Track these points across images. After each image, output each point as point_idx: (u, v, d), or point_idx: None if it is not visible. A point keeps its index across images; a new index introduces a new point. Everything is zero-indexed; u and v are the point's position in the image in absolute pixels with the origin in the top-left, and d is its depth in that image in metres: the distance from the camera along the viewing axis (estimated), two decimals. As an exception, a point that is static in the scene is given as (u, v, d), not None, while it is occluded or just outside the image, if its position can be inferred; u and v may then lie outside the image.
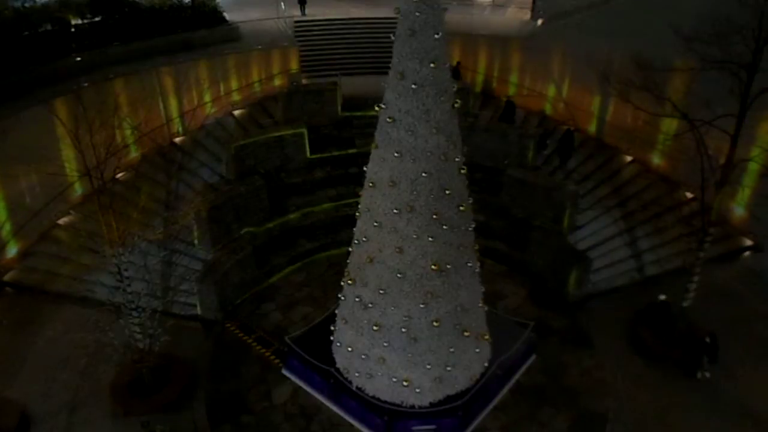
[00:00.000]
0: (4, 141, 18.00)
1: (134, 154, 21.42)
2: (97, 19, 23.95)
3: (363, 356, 13.82)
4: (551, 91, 25.16)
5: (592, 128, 24.12)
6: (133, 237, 13.48)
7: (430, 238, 12.29)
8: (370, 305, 13.22)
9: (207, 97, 24.16)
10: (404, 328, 13.04)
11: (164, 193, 19.76)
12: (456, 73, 24.62)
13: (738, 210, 20.07)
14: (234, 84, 24.99)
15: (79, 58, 22.27)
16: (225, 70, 24.51)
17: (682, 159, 20.56)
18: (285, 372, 15.76)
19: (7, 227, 18.46)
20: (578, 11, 25.06)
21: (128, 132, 17.13)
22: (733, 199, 19.77)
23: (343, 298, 14.16)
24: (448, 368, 13.59)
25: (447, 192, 12.13)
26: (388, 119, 11.83)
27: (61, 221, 19.90)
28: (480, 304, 14.17)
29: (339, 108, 23.31)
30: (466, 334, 13.60)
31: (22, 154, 18.29)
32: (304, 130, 21.71)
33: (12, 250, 18.66)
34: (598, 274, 18.73)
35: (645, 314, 16.96)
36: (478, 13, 30.08)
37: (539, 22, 27.32)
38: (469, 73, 26.60)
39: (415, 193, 12.00)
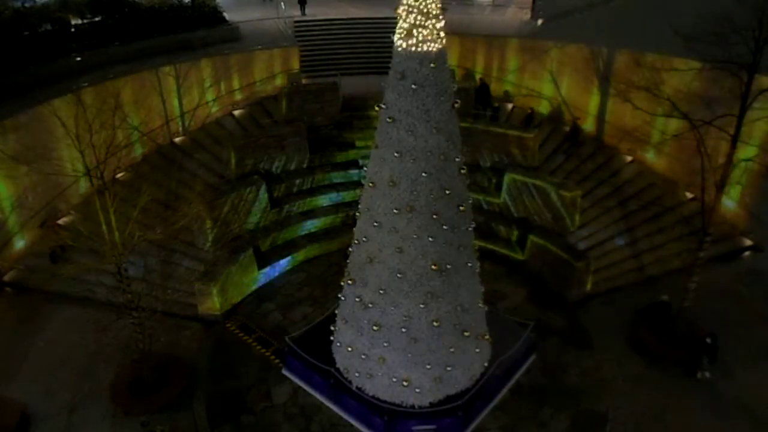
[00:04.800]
0: (4, 141, 18.04)
1: (137, 153, 21.45)
2: (97, 19, 23.97)
3: (363, 356, 13.82)
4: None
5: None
6: (133, 237, 13.48)
7: (430, 238, 12.29)
8: (370, 305, 13.22)
9: (207, 97, 24.17)
10: (404, 328, 13.04)
11: (164, 193, 19.77)
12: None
13: (738, 210, 20.08)
14: (234, 84, 24.99)
15: (79, 58, 22.27)
16: (225, 70, 24.50)
17: (682, 159, 20.68)
18: (285, 372, 15.75)
19: (8, 227, 18.49)
20: (578, 11, 25.08)
21: (128, 132, 17.09)
22: (733, 199, 19.79)
23: (343, 298, 14.16)
24: (448, 368, 13.59)
25: (447, 192, 12.13)
26: (388, 119, 11.83)
27: (61, 221, 19.91)
28: (480, 304, 14.17)
29: (339, 108, 23.31)
30: (466, 334, 13.59)
31: (22, 154, 18.33)
32: (305, 130, 21.73)
33: (13, 249, 18.70)
34: (598, 274, 18.72)
35: (645, 314, 16.96)
36: (478, 12, 30.08)
37: (539, 21, 27.33)
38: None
39: (415, 193, 12.01)
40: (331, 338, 14.97)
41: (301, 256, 20.19)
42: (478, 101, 23.91)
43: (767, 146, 17.96)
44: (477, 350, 14.20)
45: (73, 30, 23.25)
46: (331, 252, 20.26)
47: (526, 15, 28.58)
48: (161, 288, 16.23)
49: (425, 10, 10.98)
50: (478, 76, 25.61)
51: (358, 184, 20.19)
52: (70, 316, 17.04)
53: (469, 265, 13.36)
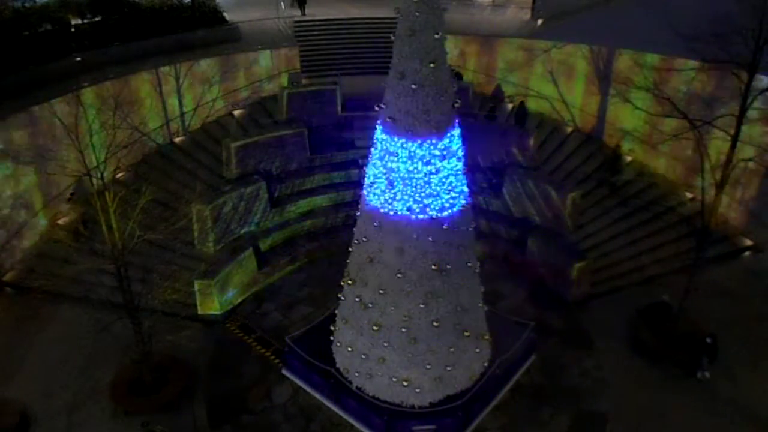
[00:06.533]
0: (5, 141, 18.04)
1: (136, 153, 21.43)
2: (97, 19, 23.95)
3: (363, 356, 13.82)
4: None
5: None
6: (133, 237, 13.48)
7: (430, 238, 12.29)
8: (370, 305, 13.22)
9: (207, 97, 24.17)
10: (404, 328, 13.03)
11: (164, 193, 19.77)
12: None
13: (738, 210, 20.09)
14: (234, 84, 24.98)
15: (79, 58, 22.26)
16: (225, 70, 24.49)
17: (682, 159, 20.70)
18: (285, 372, 15.76)
19: (8, 227, 18.49)
20: (578, 11, 25.09)
21: (128, 132, 17.09)
22: (733, 199, 19.79)
23: (343, 298, 14.16)
24: (448, 368, 13.59)
25: (447, 192, 12.13)
26: (388, 119, 11.82)
27: (61, 221, 19.91)
28: (480, 304, 14.16)
29: (339, 108, 23.30)
30: (466, 334, 13.59)
31: (22, 154, 18.33)
32: (305, 130, 21.73)
33: (12, 250, 18.69)
34: (599, 274, 18.71)
35: (645, 314, 16.96)
36: (478, 13, 30.07)
37: (539, 21, 27.33)
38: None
39: (415, 193, 12.00)
40: (331, 338, 14.96)
41: (300, 255, 20.20)
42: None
43: (767, 146, 17.97)
44: (477, 350, 14.20)
45: (73, 30, 23.21)
46: (331, 252, 20.24)
47: (526, 15, 28.57)
48: (161, 288, 16.25)
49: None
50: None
51: (358, 184, 20.19)
52: (70, 316, 17.03)
53: (469, 265, 13.35)
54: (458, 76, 24.79)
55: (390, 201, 12.20)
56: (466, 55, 26.38)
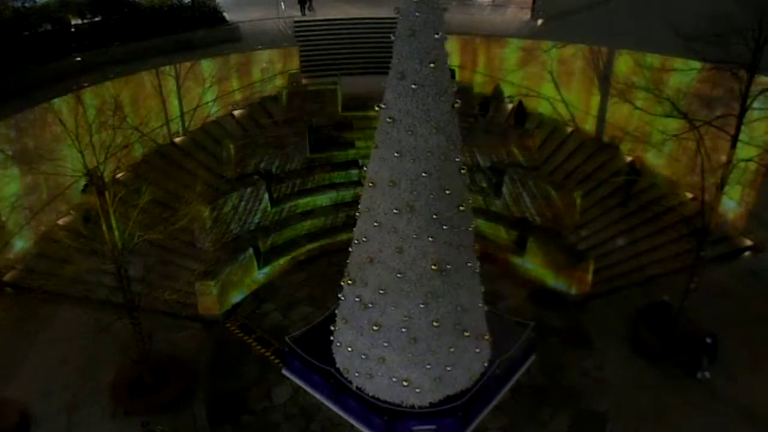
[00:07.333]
0: (4, 141, 18.04)
1: (136, 153, 21.45)
2: (97, 19, 23.97)
3: (363, 356, 13.82)
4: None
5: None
6: (133, 237, 13.48)
7: (430, 238, 12.28)
8: (370, 305, 13.22)
9: (207, 97, 24.18)
10: (404, 328, 13.03)
11: (164, 193, 19.78)
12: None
13: (738, 210, 20.08)
14: (234, 84, 25.00)
15: (79, 58, 22.27)
16: (225, 70, 24.52)
17: (682, 159, 20.70)
18: (285, 372, 15.76)
19: (8, 227, 18.49)
20: (578, 11, 25.09)
21: (128, 132, 17.08)
22: (733, 199, 19.79)
23: (343, 298, 14.15)
24: (448, 368, 13.59)
25: (447, 192, 12.12)
26: (388, 119, 11.82)
27: (60, 221, 19.92)
28: (480, 304, 14.16)
29: (339, 108, 23.31)
30: (466, 334, 13.59)
31: (22, 154, 18.34)
32: (305, 130, 21.74)
33: (12, 250, 18.69)
34: (599, 274, 18.71)
35: (645, 314, 16.96)
36: (478, 12, 30.08)
37: (539, 21, 27.35)
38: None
39: (415, 193, 11.99)
40: (331, 338, 14.96)
41: (300, 255, 20.21)
42: None
43: (767, 146, 17.97)
44: (477, 350, 14.19)
45: (73, 30, 23.23)
46: (332, 252, 20.25)
47: (526, 15, 28.59)
48: (161, 288, 16.22)
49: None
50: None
51: (358, 184, 20.20)
52: (70, 316, 17.02)
53: (469, 265, 13.35)
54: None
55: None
56: (465, 55, 26.39)
